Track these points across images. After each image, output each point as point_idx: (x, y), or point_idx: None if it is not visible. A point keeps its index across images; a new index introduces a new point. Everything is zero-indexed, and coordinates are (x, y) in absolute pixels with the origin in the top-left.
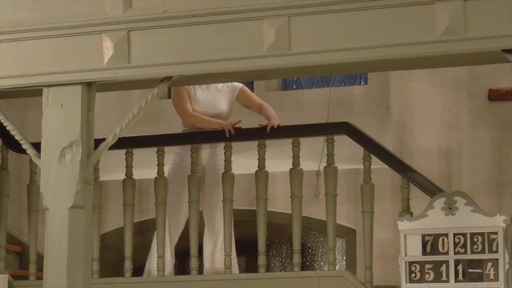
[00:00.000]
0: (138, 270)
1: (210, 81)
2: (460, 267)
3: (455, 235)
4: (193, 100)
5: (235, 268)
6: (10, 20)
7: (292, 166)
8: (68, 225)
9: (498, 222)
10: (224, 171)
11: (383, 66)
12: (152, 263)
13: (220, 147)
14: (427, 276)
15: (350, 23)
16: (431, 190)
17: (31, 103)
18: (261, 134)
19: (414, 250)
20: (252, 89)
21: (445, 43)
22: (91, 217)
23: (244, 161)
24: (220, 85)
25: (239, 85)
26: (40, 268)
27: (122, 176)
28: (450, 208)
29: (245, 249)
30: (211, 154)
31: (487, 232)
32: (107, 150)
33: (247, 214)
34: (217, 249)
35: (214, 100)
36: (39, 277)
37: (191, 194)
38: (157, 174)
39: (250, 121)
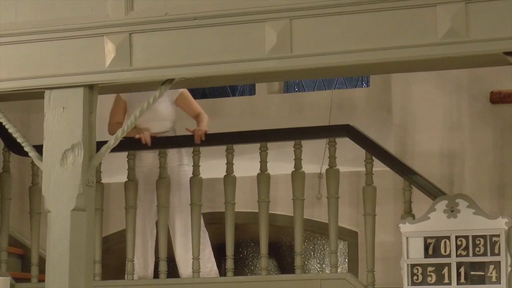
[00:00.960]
0: None
1: (212, 83)
2: (462, 270)
3: (457, 237)
4: (130, 105)
5: (213, 271)
6: (12, 23)
7: (294, 169)
8: (70, 228)
9: (500, 224)
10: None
11: (385, 69)
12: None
13: (181, 150)
14: (429, 278)
15: (351, 26)
16: (433, 192)
17: (33, 106)
18: (263, 137)
19: (416, 252)
20: (253, 92)
21: (446, 46)
22: (93, 220)
23: (246, 164)
24: None
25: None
26: (42, 271)
27: (124, 178)
28: (452, 211)
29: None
30: (171, 158)
31: (489, 235)
32: (109, 153)
33: (249, 216)
34: (189, 254)
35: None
36: (41, 280)
37: (193, 197)
38: (159, 176)
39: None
